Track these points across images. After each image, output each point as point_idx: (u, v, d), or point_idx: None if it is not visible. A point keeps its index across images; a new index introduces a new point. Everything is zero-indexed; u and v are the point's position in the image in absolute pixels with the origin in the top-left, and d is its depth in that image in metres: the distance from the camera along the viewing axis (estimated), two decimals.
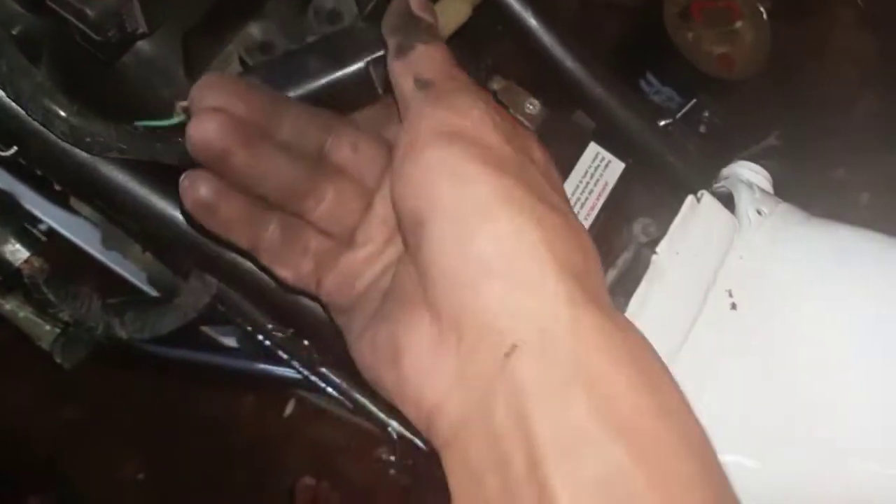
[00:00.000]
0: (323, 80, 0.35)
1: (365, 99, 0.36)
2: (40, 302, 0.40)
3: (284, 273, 0.34)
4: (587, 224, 0.47)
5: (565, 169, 0.48)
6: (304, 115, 0.34)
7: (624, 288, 0.50)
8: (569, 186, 0.47)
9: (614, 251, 0.54)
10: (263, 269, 0.35)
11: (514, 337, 0.25)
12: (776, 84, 1.51)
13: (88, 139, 0.34)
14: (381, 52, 0.34)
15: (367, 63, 0.34)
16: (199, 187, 0.32)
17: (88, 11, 0.34)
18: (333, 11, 0.38)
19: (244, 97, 0.32)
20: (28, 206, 0.58)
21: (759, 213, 0.43)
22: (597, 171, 0.48)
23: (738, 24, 1.40)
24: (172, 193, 0.38)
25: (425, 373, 0.27)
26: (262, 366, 0.66)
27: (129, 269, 0.68)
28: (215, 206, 0.32)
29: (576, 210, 0.47)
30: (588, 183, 0.47)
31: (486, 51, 0.48)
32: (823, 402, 0.37)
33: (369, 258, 0.35)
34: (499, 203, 0.26)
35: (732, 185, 0.46)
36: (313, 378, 0.59)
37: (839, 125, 1.64)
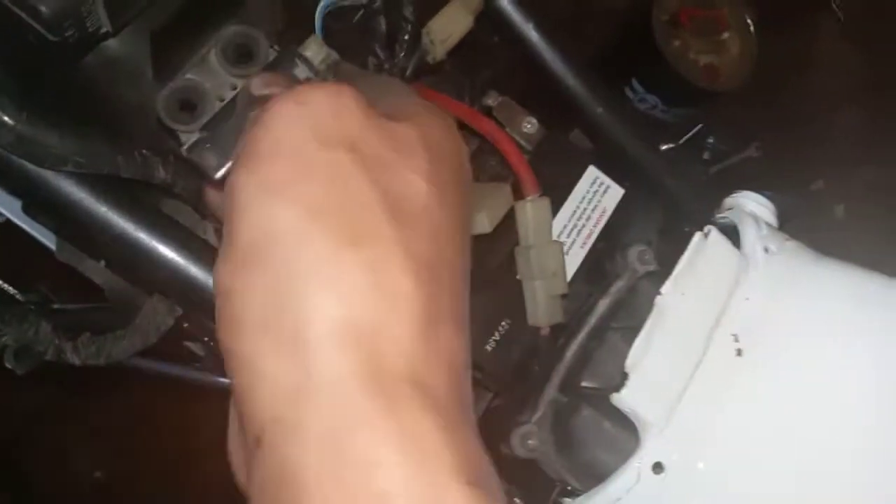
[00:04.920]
0: None
1: None
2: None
3: None
4: (583, 253, 0.44)
5: (562, 192, 0.45)
6: None
7: (618, 320, 0.47)
8: (566, 212, 0.44)
9: (607, 278, 0.51)
10: None
11: None
12: (758, 94, 1.50)
13: (39, 151, 0.30)
14: None
15: None
16: None
17: (42, 8, 0.30)
18: None
19: None
20: None
21: (766, 250, 0.40)
22: (595, 197, 0.45)
23: (725, 34, 1.38)
24: (134, 211, 0.34)
25: None
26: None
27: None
28: None
29: (572, 238, 0.45)
30: (586, 209, 0.45)
31: (483, 64, 0.45)
32: (838, 458, 0.35)
33: None
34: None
35: (737, 216, 0.44)
36: None
37: (819, 136, 1.64)
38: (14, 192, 0.35)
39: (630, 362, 0.35)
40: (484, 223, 0.36)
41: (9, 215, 0.58)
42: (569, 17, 1.46)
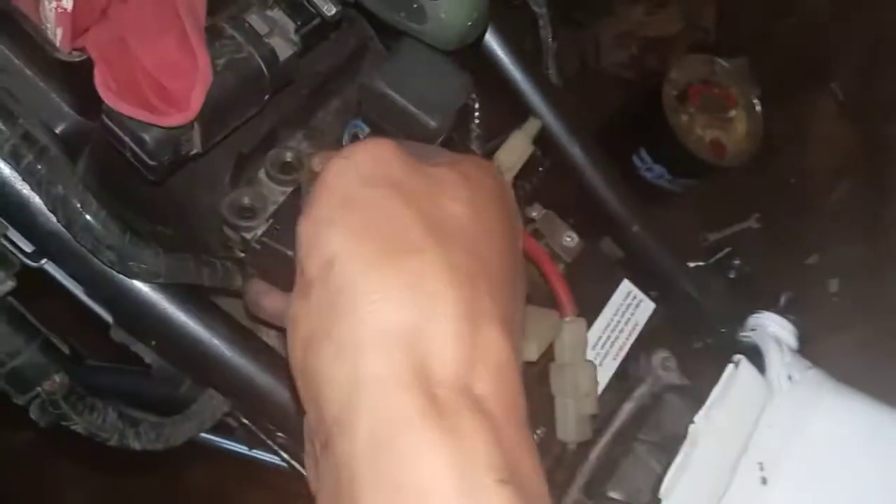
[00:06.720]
0: None
1: None
2: (56, 416, 0.38)
3: None
4: (615, 364, 0.47)
5: (597, 304, 0.47)
6: None
7: (644, 432, 0.50)
8: (600, 324, 0.47)
9: (630, 381, 0.53)
10: None
11: None
12: (758, 167, 1.54)
13: (135, 268, 0.32)
14: None
15: None
16: None
17: (147, 138, 0.32)
18: None
19: None
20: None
21: (789, 378, 0.43)
22: (628, 310, 0.47)
23: (732, 112, 1.43)
24: (207, 315, 0.36)
25: None
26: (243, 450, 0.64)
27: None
28: None
29: (605, 350, 0.47)
30: (619, 322, 0.47)
31: (527, 177, 0.48)
32: None
33: None
34: None
35: (760, 338, 0.46)
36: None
37: (815, 211, 1.68)
38: (96, 293, 0.37)
39: (664, 489, 0.37)
40: (532, 351, 0.39)
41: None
42: (580, 85, 1.50)
